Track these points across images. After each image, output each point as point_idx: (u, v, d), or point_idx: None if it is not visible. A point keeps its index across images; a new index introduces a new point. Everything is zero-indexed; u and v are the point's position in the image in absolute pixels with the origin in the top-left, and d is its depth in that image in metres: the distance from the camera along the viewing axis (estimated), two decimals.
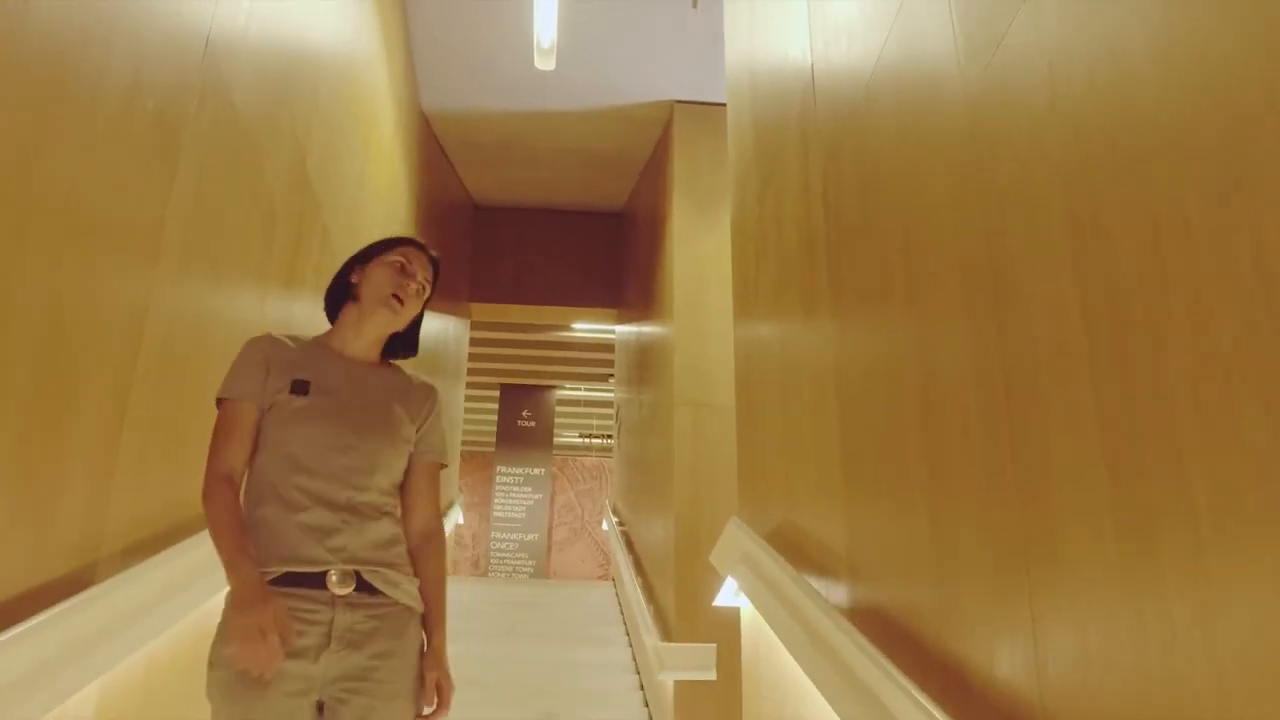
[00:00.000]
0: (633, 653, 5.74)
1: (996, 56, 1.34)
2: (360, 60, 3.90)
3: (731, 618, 3.14)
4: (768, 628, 2.31)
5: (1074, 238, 1.11)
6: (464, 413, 9.94)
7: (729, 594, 2.90)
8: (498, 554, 12.74)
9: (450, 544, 8.24)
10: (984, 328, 1.34)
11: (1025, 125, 1.24)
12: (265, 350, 1.61)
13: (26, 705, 1.27)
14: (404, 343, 1.78)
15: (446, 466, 1.77)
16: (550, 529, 13.82)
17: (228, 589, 1.44)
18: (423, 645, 1.59)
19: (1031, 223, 1.21)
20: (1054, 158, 1.16)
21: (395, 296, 1.66)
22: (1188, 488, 0.89)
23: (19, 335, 1.31)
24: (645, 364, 6.51)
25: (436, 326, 6.51)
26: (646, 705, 4.94)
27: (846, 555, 1.93)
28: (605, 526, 8.44)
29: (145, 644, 1.70)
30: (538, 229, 8.24)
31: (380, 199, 4.46)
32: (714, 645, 4.40)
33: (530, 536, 12.82)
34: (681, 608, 4.70)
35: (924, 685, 1.46)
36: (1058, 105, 1.16)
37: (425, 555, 1.65)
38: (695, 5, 4.98)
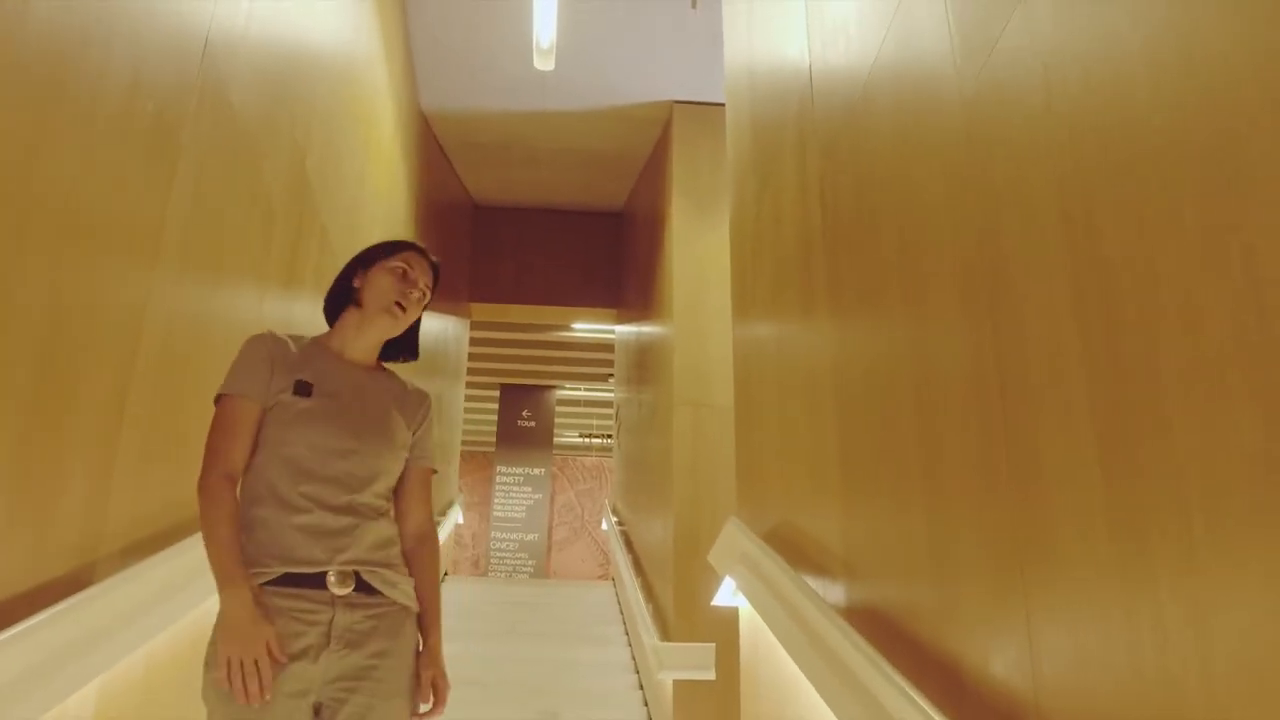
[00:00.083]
0: (632, 652, 5.75)
1: (992, 58, 1.34)
2: (360, 60, 3.90)
3: (730, 617, 3.15)
4: (766, 627, 2.31)
5: (1068, 238, 1.11)
6: (464, 413, 9.95)
7: (727, 594, 2.90)
8: (498, 554, 12.74)
9: (450, 544, 8.25)
10: (979, 328, 1.35)
11: (1021, 126, 1.25)
12: (269, 348, 1.60)
13: (26, 704, 1.28)
14: (404, 347, 1.80)
15: (437, 472, 1.79)
16: (550, 529, 13.82)
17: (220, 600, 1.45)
18: (418, 644, 1.60)
19: (1026, 223, 1.22)
20: (1049, 158, 1.16)
21: (398, 304, 1.68)
22: (1180, 489, 0.89)
23: (19, 335, 1.31)
24: (645, 364, 6.52)
25: (436, 326, 6.51)
26: (646, 705, 4.95)
27: (844, 555, 1.94)
28: (605, 526, 8.44)
29: (144, 643, 1.70)
30: (538, 229, 8.25)
31: (380, 199, 4.46)
32: (713, 645, 4.40)
33: (530, 536, 12.82)
34: (680, 607, 4.71)
35: (920, 684, 1.46)
36: (1053, 106, 1.16)
37: (420, 557, 1.67)
38: (694, 5, 4.99)
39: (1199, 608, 0.86)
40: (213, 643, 1.43)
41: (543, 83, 5.89)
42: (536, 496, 12.91)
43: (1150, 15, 0.97)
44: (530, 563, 12.74)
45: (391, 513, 1.65)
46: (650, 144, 6.69)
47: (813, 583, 2.11)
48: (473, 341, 9.77)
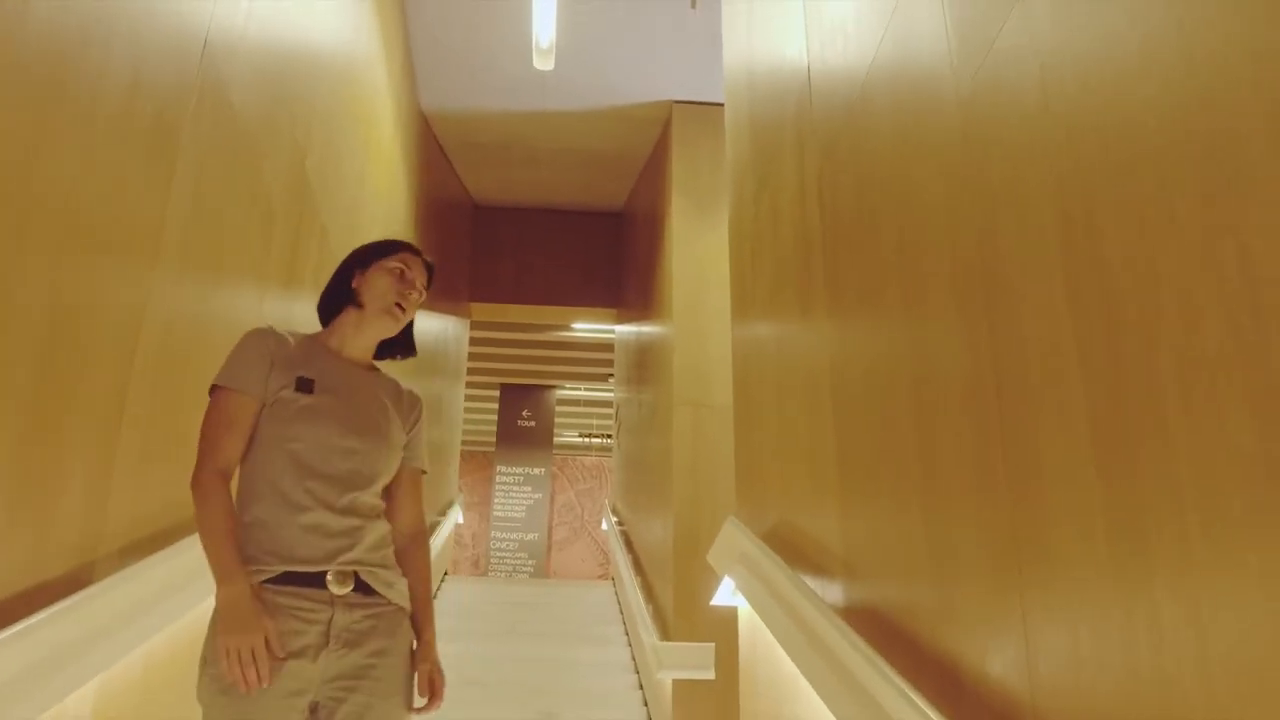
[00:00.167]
0: (632, 652, 5.75)
1: (989, 58, 1.34)
2: (359, 60, 3.90)
3: (730, 617, 3.15)
4: (765, 627, 2.32)
5: (1065, 238, 1.11)
6: (464, 412, 9.95)
7: (727, 593, 2.91)
8: (498, 553, 12.74)
9: (450, 544, 8.25)
10: (976, 328, 1.35)
11: (1018, 126, 1.25)
12: (269, 344, 1.60)
13: (24, 704, 1.28)
14: (401, 344, 1.80)
15: (426, 473, 1.81)
16: (550, 528, 13.82)
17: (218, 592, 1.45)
18: (413, 643, 1.60)
19: (1023, 223, 1.22)
20: (1046, 158, 1.17)
21: (398, 304, 1.69)
22: (1176, 489, 0.89)
23: (19, 335, 1.31)
24: (645, 364, 6.52)
25: (436, 326, 6.52)
26: (645, 705, 4.95)
27: (842, 554, 1.94)
28: (605, 526, 8.45)
29: (143, 643, 1.71)
30: (538, 229, 8.25)
31: (380, 199, 4.46)
32: (712, 645, 4.41)
33: (530, 536, 12.83)
34: (680, 607, 4.71)
35: (918, 684, 1.47)
36: (1050, 106, 1.16)
37: (412, 556, 1.69)
38: (694, 5, 4.99)
39: (1195, 608, 0.86)
40: (209, 641, 1.43)
41: (542, 83, 5.89)
42: (536, 496, 12.91)
43: (1148, 15, 0.97)
44: (530, 562, 12.74)
45: (384, 513, 1.66)
46: (650, 144, 6.69)
47: (811, 582, 2.12)
48: (473, 341, 9.77)
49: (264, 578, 1.44)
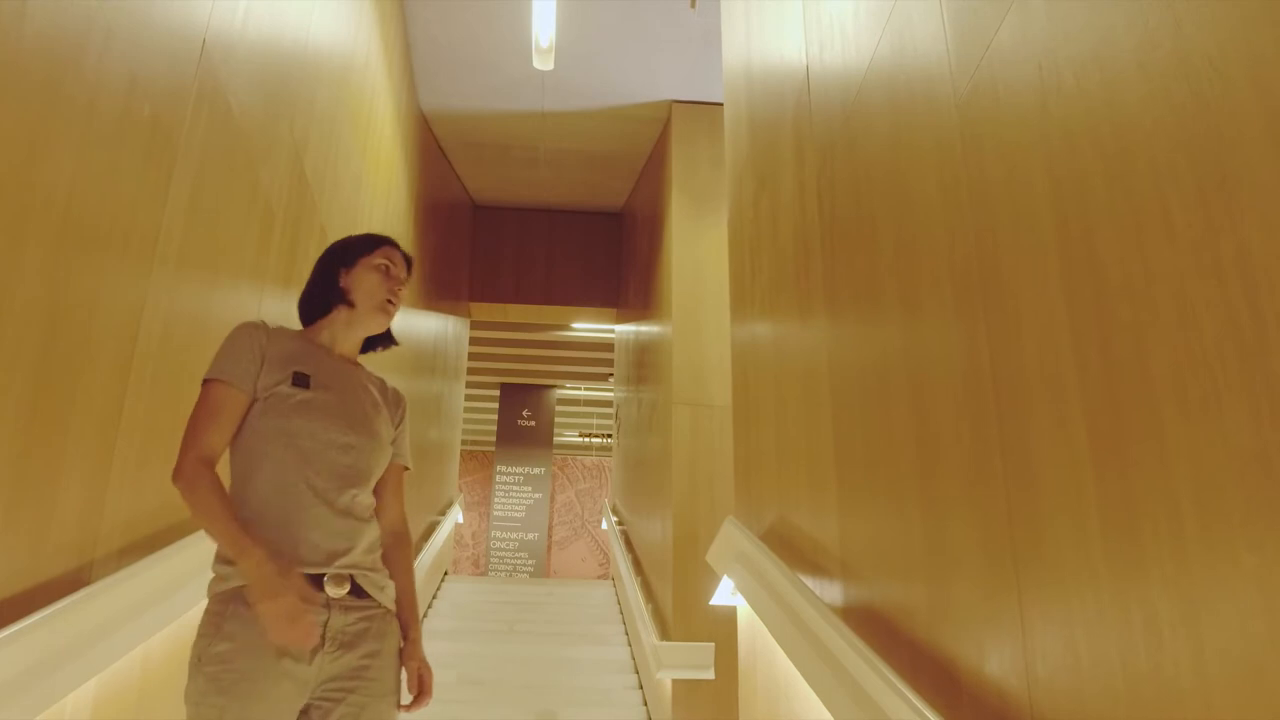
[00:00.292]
0: (631, 651, 5.75)
1: (986, 58, 1.34)
2: (358, 61, 3.90)
3: (729, 616, 3.15)
4: (764, 627, 2.32)
5: (1062, 238, 1.11)
6: (464, 412, 9.96)
7: (726, 593, 2.91)
8: (498, 553, 12.75)
9: (450, 543, 8.25)
10: (973, 328, 1.35)
11: (1015, 126, 1.25)
12: (261, 339, 1.59)
13: (23, 704, 1.28)
14: (384, 337, 1.82)
15: (409, 469, 1.82)
16: (550, 528, 13.83)
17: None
18: (399, 643, 1.61)
19: (1020, 223, 1.22)
20: (1043, 159, 1.17)
21: (389, 301, 1.71)
22: (1173, 489, 0.89)
23: (17, 336, 1.32)
24: (644, 363, 6.52)
25: (436, 326, 6.52)
26: (645, 704, 4.95)
27: (840, 554, 1.94)
28: (605, 526, 8.45)
29: (141, 643, 1.71)
30: (538, 229, 8.26)
31: (379, 199, 4.47)
32: (712, 644, 4.41)
33: (530, 535, 12.83)
34: (679, 606, 4.71)
35: (916, 684, 1.47)
36: (1047, 107, 1.16)
37: (396, 554, 1.70)
38: (693, 5, 4.99)
39: (1192, 607, 0.86)
40: (202, 640, 1.41)
41: (542, 83, 5.89)
42: (536, 496, 12.92)
43: (1145, 16, 0.97)
44: (530, 562, 12.75)
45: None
46: (650, 143, 6.69)
47: (810, 582, 2.12)
48: (473, 341, 9.78)
49: None
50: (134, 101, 1.66)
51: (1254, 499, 0.78)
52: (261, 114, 2.46)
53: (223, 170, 2.17)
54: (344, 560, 1.51)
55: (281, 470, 1.51)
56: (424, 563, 5.79)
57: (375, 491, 1.68)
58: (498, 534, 12.81)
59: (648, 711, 4.86)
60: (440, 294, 6.65)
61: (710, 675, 4.36)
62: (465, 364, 8.85)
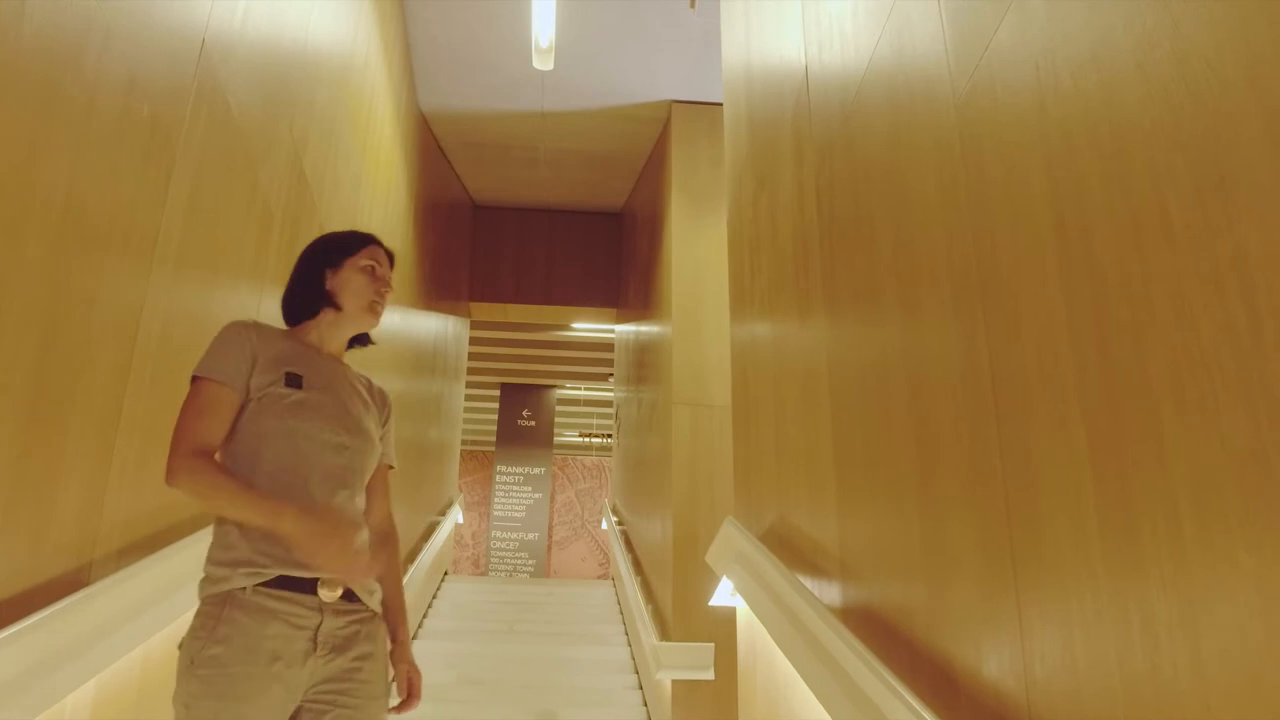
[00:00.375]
0: (631, 651, 5.75)
1: (985, 59, 1.34)
2: (358, 60, 3.90)
3: (728, 617, 3.15)
4: (763, 628, 2.32)
5: (1060, 238, 1.11)
6: (464, 412, 9.95)
7: (725, 594, 2.91)
8: (498, 553, 12.75)
9: (450, 543, 8.25)
10: (972, 328, 1.35)
11: (1013, 126, 1.25)
12: (252, 339, 1.57)
13: (22, 704, 1.28)
14: (360, 336, 1.81)
15: (394, 468, 1.82)
16: (550, 528, 13.83)
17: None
18: (387, 645, 1.62)
19: (1019, 223, 1.22)
20: (1041, 159, 1.17)
21: (377, 303, 1.70)
22: (1171, 489, 0.89)
23: (16, 336, 1.32)
24: (644, 363, 6.52)
25: (436, 326, 6.52)
26: (645, 704, 4.95)
27: (839, 554, 1.94)
28: (605, 526, 8.45)
29: (141, 643, 1.71)
30: (537, 229, 8.26)
31: (378, 199, 4.47)
32: (711, 645, 4.41)
33: (530, 535, 12.83)
34: (679, 607, 4.71)
35: (914, 685, 1.47)
36: (1045, 107, 1.16)
37: (383, 554, 1.71)
38: (693, 5, 4.99)
39: (1190, 608, 0.86)
40: (193, 640, 1.40)
41: (542, 82, 5.89)
42: (536, 496, 12.92)
43: (1143, 17, 0.97)
44: (530, 562, 12.75)
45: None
46: (649, 143, 6.69)
47: (809, 583, 2.12)
48: (473, 341, 9.78)
49: (259, 580, 1.43)
50: (133, 101, 1.66)
51: (1252, 499, 0.78)
52: (261, 114, 2.46)
53: (222, 170, 2.17)
54: None
55: (278, 472, 1.50)
56: (424, 563, 5.79)
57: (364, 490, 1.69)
58: (498, 534, 12.81)
59: (647, 712, 4.86)
60: (440, 294, 6.65)
61: (710, 676, 4.36)
62: (465, 364, 8.85)
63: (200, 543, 1.90)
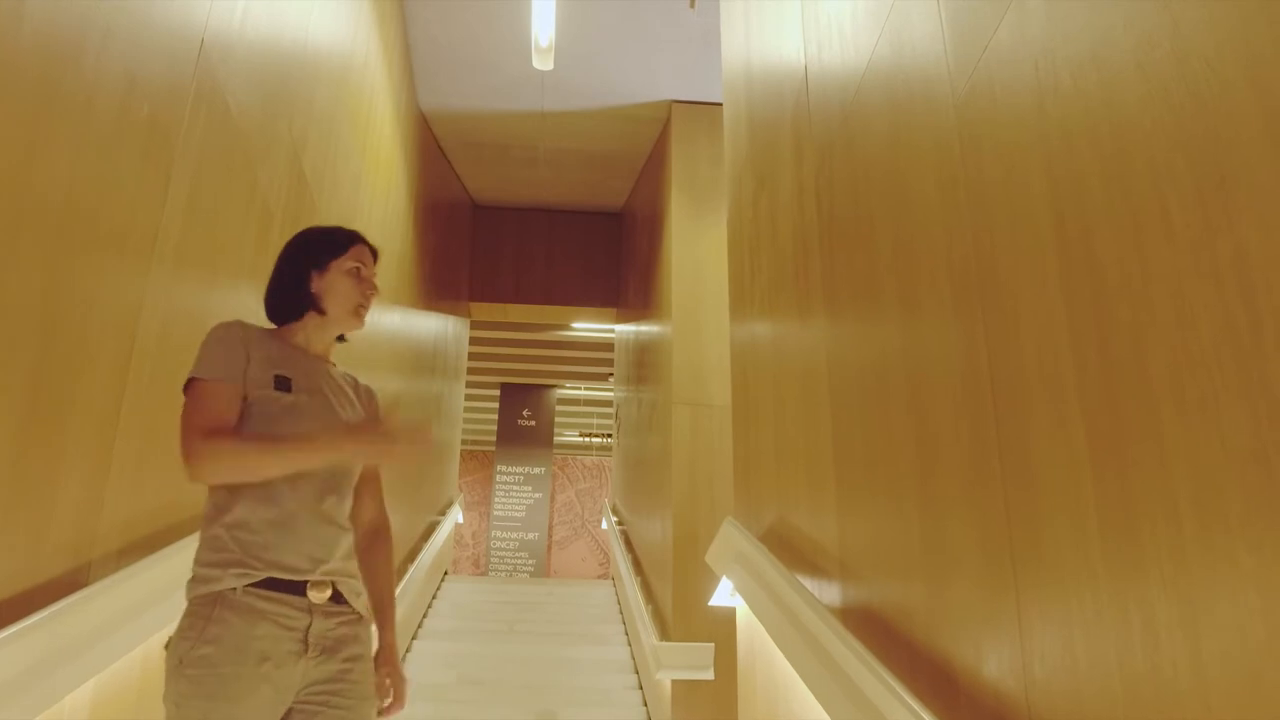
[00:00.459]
0: (631, 651, 5.75)
1: (984, 58, 1.34)
2: (358, 60, 3.90)
3: (728, 617, 3.15)
4: (762, 627, 2.31)
5: (1060, 238, 1.11)
6: (464, 412, 9.95)
7: (725, 594, 2.91)
8: (498, 553, 12.75)
9: (450, 543, 8.25)
10: (972, 328, 1.35)
11: (1012, 126, 1.25)
12: (242, 336, 1.57)
13: (21, 704, 1.28)
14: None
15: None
16: (550, 528, 13.83)
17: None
18: (373, 648, 1.62)
19: (1018, 223, 1.22)
20: (1040, 158, 1.16)
21: (363, 306, 1.69)
22: (1171, 489, 0.89)
23: (14, 335, 1.31)
24: (644, 363, 6.52)
25: (436, 326, 6.52)
26: (645, 704, 4.95)
27: (838, 555, 1.94)
28: (605, 525, 8.45)
29: (140, 644, 1.71)
30: (537, 228, 8.26)
31: (378, 198, 4.46)
32: (711, 645, 4.41)
33: (530, 535, 12.83)
34: (679, 607, 4.71)
35: (914, 685, 1.47)
36: (1044, 106, 1.16)
37: (375, 552, 1.71)
38: (692, 5, 4.99)
39: (1190, 608, 0.86)
40: (182, 641, 1.39)
41: (541, 82, 5.89)
42: (537, 496, 12.92)
43: (1143, 17, 0.97)
44: (530, 562, 12.75)
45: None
46: (649, 143, 6.69)
47: (808, 583, 2.12)
48: (473, 341, 9.77)
49: (248, 581, 1.43)
50: (132, 101, 1.66)
51: (1252, 499, 0.78)
52: (260, 113, 2.46)
53: (221, 170, 2.17)
54: (326, 567, 1.51)
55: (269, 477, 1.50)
56: (424, 562, 5.79)
57: (354, 489, 1.68)
58: (498, 534, 12.81)
59: (647, 711, 4.86)
60: (440, 294, 6.65)
61: (710, 676, 4.36)
62: (465, 364, 8.85)
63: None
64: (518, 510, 12.87)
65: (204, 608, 1.41)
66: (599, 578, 13.05)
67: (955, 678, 1.35)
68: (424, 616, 6.34)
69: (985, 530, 1.28)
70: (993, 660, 1.24)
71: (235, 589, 1.42)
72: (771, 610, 2.19)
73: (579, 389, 13.02)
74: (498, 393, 12.95)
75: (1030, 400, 1.17)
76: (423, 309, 5.83)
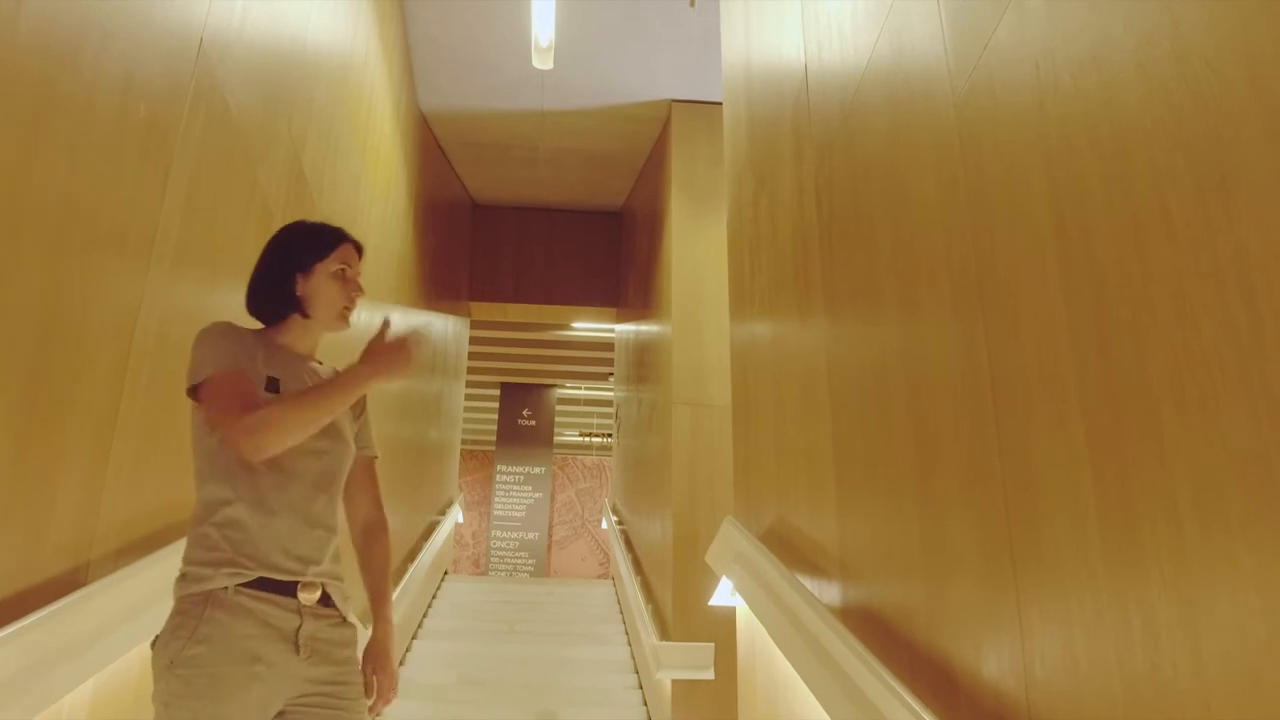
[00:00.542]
0: (631, 651, 5.75)
1: (984, 57, 1.34)
2: (357, 60, 3.90)
3: (728, 617, 3.15)
4: (762, 627, 2.31)
5: (1060, 237, 1.11)
6: (464, 412, 9.95)
7: (725, 593, 2.90)
8: (498, 552, 12.75)
9: (450, 543, 8.25)
10: (971, 327, 1.35)
11: (1012, 125, 1.24)
12: (237, 336, 1.56)
13: (20, 704, 1.28)
14: None
15: (378, 458, 1.81)
16: (550, 527, 13.83)
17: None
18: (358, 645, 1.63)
19: (1018, 222, 1.22)
20: (1040, 157, 1.16)
21: (349, 308, 1.67)
22: (1171, 489, 0.89)
23: (12, 335, 1.31)
24: (644, 363, 6.52)
25: (436, 326, 6.51)
26: (645, 704, 4.95)
27: (838, 554, 1.94)
28: (605, 525, 8.45)
29: (138, 644, 1.71)
30: (537, 228, 8.25)
31: (378, 198, 4.46)
32: (711, 645, 4.40)
33: (530, 535, 12.83)
34: (679, 606, 4.71)
35: (913, 685, 1.46)
36: (1044, 105, 1.16)
37: (372, 546, 1.71)
38: (692, 4, 4.98)
39: (1190, 608, 0.86)
40: (172, 640, 1.39)
41: (541, 82, 5.89)
42: (537, 495, 12.92)
43: (1144, 16, 0.96)
44: (530, 561, 12.75)
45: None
46: (649, 143, 6.69)
47: (808, 583, 2.11)
48: (473, 341, 9.77)
49: (240, 580, 1.42)
50: (130, 100, 1.66)
51: (1253, 499, 0.78)
52: (259, 113, 2.45)
53: (220, 169, 2.17)
54: (317, 569, 1.51)
55: (255, 478, 1.49)
56: (424, 562, 5.79)
57: (347, 486, 1.69)
58: (498, 533, 12.81)
59: (647, 711, 4.86)
60: (440, 293, 6.64)
61: (710, 675, 4.35)
62: (465, 363, 8.85)
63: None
64: (518, 510, 12.87)
65: (195, 607, 1.40)
66: (599, 577, 13.05)
67: (955, 678, 1.35)
68: (424, 616, 6.34)
69: (985, 530, 1.28)
70: (993, 660, 1.24)
71: (227, 588, 1.41)
72: (771, 610, 2.19)
73: (579, 389, 13.02)
74: (498, 392, 12.94)
75: (1030, 400, 1.16)
76: (423, 309, 5.83)
